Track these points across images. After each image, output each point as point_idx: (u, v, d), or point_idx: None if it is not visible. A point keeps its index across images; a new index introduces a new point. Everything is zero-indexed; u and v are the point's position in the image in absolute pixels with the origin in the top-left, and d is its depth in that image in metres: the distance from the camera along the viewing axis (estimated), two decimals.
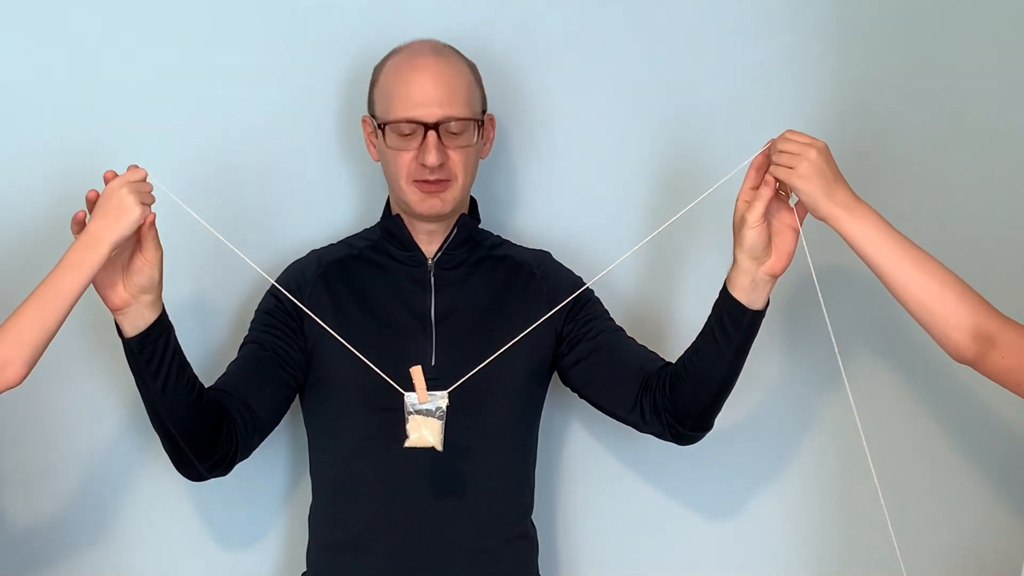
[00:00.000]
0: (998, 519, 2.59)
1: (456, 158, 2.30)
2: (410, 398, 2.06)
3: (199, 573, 2.56)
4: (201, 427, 2.19)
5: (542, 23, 2.57)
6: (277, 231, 2.52)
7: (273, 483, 2.56)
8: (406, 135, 2.28)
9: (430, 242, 2.37)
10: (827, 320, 2.16)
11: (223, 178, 2.50)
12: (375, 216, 2.45)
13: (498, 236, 2.46)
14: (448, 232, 2.37)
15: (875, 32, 2.59)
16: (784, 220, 2.15)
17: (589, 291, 2.37)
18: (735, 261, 2.15)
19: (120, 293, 2.11)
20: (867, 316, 2.57)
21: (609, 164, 2.59)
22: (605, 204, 2.59)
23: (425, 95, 2.27)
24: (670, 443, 2.33)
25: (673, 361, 2.29)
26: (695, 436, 2.30)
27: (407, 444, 2.07)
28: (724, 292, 2.18)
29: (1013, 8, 2.59)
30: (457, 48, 2.36)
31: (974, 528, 2.59)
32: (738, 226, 2.14)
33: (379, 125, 2.31)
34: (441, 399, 2.07)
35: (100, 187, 2.07)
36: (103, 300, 2.12)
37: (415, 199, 2.31)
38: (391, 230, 2.37)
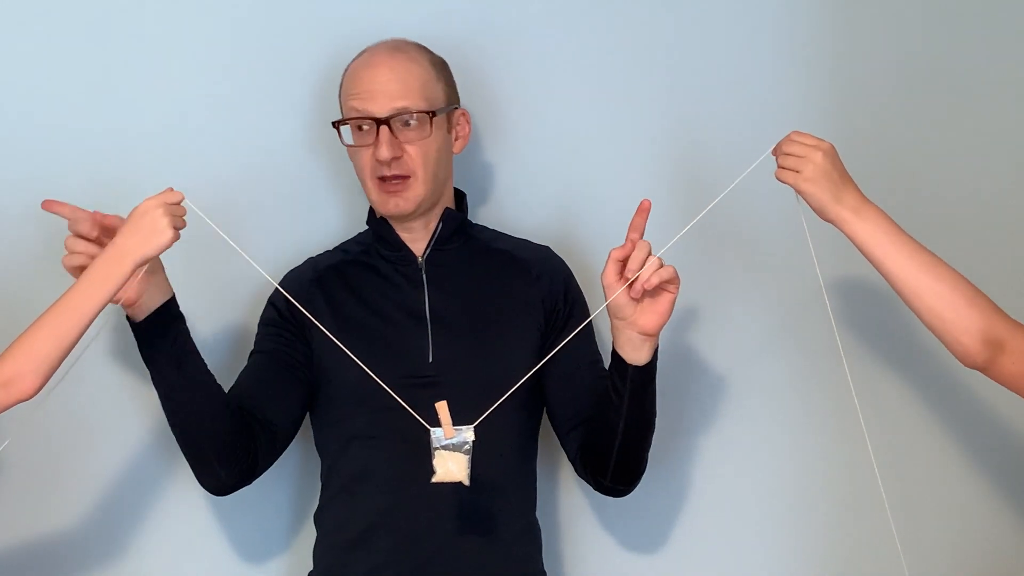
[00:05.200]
0: (1003, 522, 2.60)
1: (413, 152, 2.30)
2: (436, 433, 2.04)
3: (206, 570, 2.56)
4: (220, 423, 2.22)
5: (540, 20, 2.57)
6: (273, 240, 2.51)
7: (281, 482, 2.54)
8: (362, 131, 2.30)
9: (416, 240, 2.37)
10: (832, 323, 2.16)
11: (218, 189, 2.45)
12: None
13: (495, 230, 2.45)
14: (434, 229, 2.36)
15: (877, 30, 2.58)
16: (658, 279, 2.13)
17: (584, 306, 2.38)
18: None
19: (131, 284, 2.10)
20: (872, 319, 2.57)
21: (608, 163, 2.58)
22: (603, 203, 2.57)
23: (375, 90, 2.29)
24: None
25: None
26: (615, 489, 2.33)
27: (434, 480, 2.05)
28: (613, 348, 2.21)
29: (1012, 5, 2.58)
30: (445, 44, 2.37)
31: (979, 532, 2.60)
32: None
33: (336, 124, 2.32)
34: (467, 433, 2.04)
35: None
36: (118, 302, 2.12)
37: (378, 200, 2.32)
38: (379, 232, 2.38)
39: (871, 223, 2.08)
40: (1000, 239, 2.59)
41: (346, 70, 2.36)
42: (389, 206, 2.31)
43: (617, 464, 2.27)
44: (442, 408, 2.03)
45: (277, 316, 2.34)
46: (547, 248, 2.44)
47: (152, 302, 2.17)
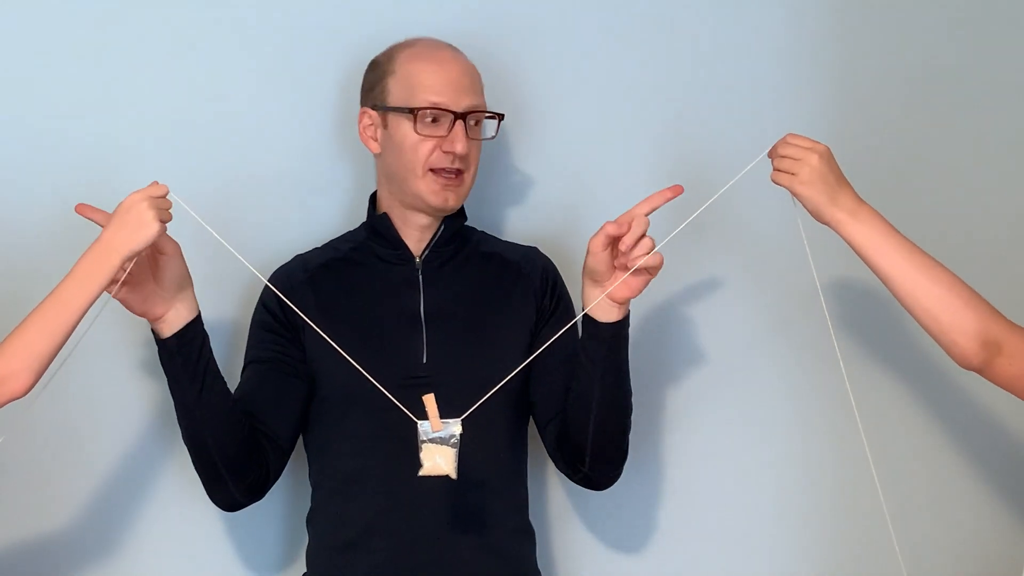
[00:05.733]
0: (999, 522, 2.60)
1: (473, 151, 2.32)
2: (423, 426, 2.04)
3: (200, 571, 2.55)
4: (235, 443, 2.22)
5: (539, 21, 2.58)
6: (264, 236, 2.50)
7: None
8: (432, 122, 2.29)
9: (419, 239, 2.36)
10: (829, 325, 2.16)
11: (210, 184, 2.47)
12: (360, 219, 2.44)
13: (483, 232, 2.46)
14: (435, 229, 2.36)
15: (876, 33, 2.58)
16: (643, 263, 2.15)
17: (569, 304, 2.39)
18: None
19: (162, 297, 2.13)
20: (868, 321, 2.56)
21: (605, 165, 2.58)
22: (600, 204, 2.54)
23: (453, 83, 2.30)
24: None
25: None
26: (597, 478, 2.32)
27: (421, 473, 2.05)
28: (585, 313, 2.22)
29: (1012, 8, 2.59)
30: (455, 45, 2.38)
31: (975, 532, 2.60)
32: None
33: (409, 110, 2.30)
34: (455, 426, 2.04)
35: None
36: (145, 316, 2.14)
37: (430, 190, 2.31)
38: (377, 228, 2.37)
39: (867, 225, 2.07)
40: (997, 241, 2.59)
41: (394, 58, 2.33)
42: (440, 200, 2.30)
43: (594, 445, 2.25)
44: (429, 401, 2.02)
45: (272, 320, 2.33)
46: (535, 248, 2.45)
47: (179, 319, 2.16)
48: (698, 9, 2.57)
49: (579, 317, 2.31)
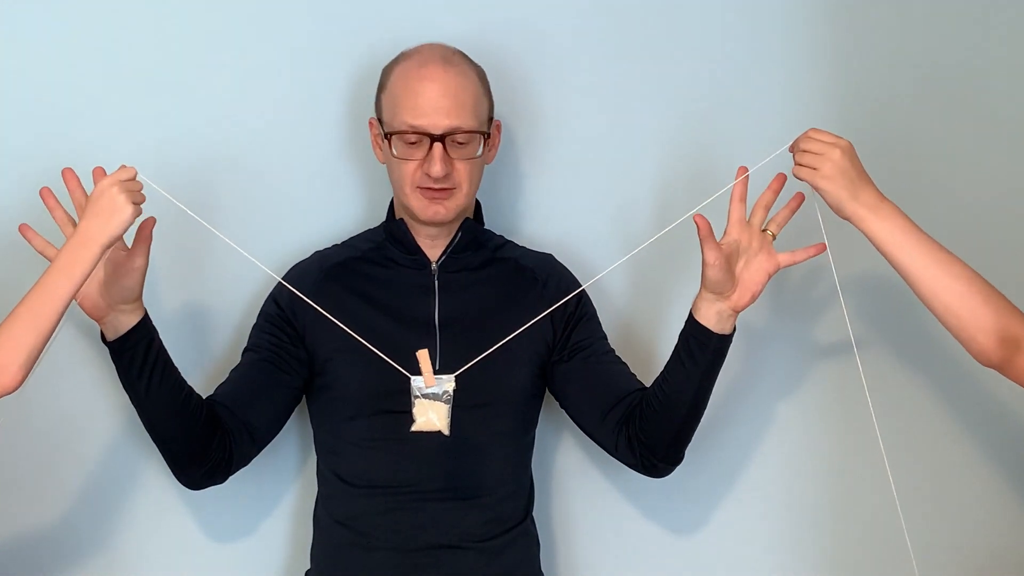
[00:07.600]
0: (1013, 519, 2.57)
1: (461, 168, 2.30)
2: (416, 382, 2.06)
3: (203, 571, 2.55)
4: (189, 433, 2.24)
5: (549, 26, 2.57)
6: (281, 232, 2.50)
7: (278, 481, 2.55)
8: (412, 144, 2.28)
9: (433, 246, 2.37)
10: (847, 320, 2.16)
11: (227, 179, 2.49)
12: (380, 217, 2.45)
13: (501, 236, 2.46)
14: (452, 236, 2.37)
15: (892, 28, 2.58)
16: (761, 261, 2.18)
17: (591, 308, 2.39)
18: (700, 292, 2.19)
19: (98, 305, 2.14)
20: (887, 317, 2.55)
21: (615, 169, 2.58)
22: (610, 209, 2.58)
23: (431, 105, 2.27)
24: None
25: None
26: (665, 468, 2.33)
27: (414, 428, 2.07)
28: (690, 317, 2.22)
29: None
30: (465, 51, 2.36)
31: (989, 529, 2.58)
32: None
33: (386, 134, 2.31)
34: (448, 383, 2.06)
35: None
36: (86, 312, 2.16)
37: (419, 206, 2.31)
38: (394, 234, 2.38)
39: (889, 221, 2.07)
40: (1018, 237, 2.56)
41: (390, 73, 2.34)
42: (429, 213, 2.30)
43: (673, 439, 2.27)
44: (423, 356, 2.04)
45: (277, 314, 2.34)
46: (550, 255, 2.45)
47: (121, 325, 2.17)
48: (706, 10, 2.57)
49: (582, 288, 2.33)
